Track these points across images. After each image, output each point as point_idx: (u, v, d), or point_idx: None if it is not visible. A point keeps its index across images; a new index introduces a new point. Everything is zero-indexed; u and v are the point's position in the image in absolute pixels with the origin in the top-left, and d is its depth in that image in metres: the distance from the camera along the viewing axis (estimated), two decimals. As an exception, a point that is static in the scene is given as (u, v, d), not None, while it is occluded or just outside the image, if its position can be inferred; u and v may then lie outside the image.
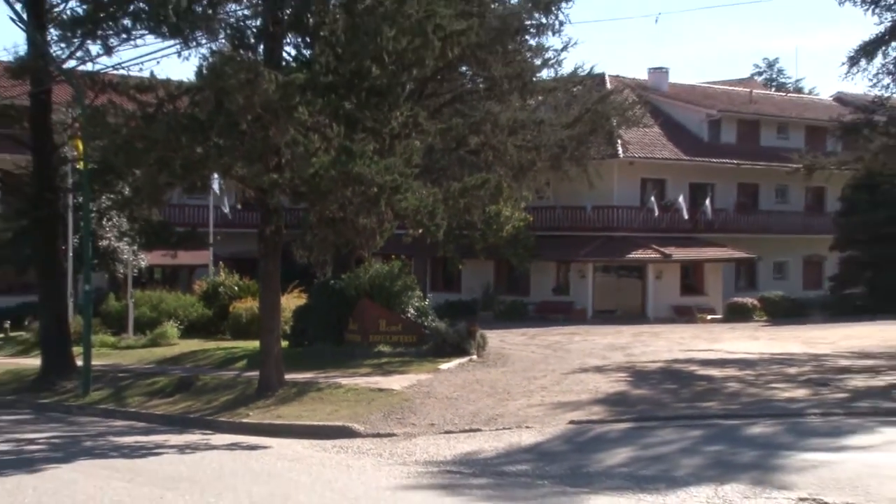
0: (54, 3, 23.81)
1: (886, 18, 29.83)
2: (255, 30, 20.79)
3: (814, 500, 11.24)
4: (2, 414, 22.39)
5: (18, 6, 24.21)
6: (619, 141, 43.64)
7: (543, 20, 24.07)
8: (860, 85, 33.43)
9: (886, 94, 32.45)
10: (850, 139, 35.49)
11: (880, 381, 22.62)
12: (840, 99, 57.26)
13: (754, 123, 56.54)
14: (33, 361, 27.47)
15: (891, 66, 30.64)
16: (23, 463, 15.10)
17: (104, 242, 31.84)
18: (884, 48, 30.26)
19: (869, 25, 33.82)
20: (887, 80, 31.09)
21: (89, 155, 22.49)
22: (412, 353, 25.93)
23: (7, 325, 36.80)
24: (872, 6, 29.61)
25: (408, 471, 13.66)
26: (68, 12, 23.27)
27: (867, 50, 30.38)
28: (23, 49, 24.04)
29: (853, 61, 30.75)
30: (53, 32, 23.36)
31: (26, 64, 23.08)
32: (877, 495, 11.52)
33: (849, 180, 46.42)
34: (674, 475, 12.80)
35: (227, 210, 41.17)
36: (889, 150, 31.30)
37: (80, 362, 24.23)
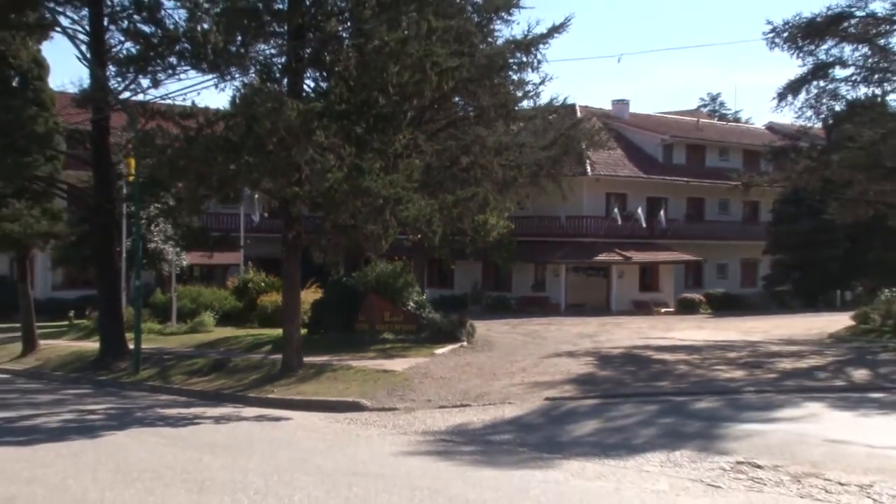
0: (112, 44, 23.83)
1: (808, 62, 30.09)
2: (280, 66, 20.84)
3: (749, 463, 11.40)
4: (67, 388, 22.56)
5: (83, 47, 24.26)
6: (587, 161, 43.86)
7: (524, 59, 24.04)
8: (788, 116, 33.92)
9: (809, 125, 32.84)
10: (780, 161, 35.68)
11: (804, 363, 22.73)
12: (771, 128, 57.51)
13: (700, 147, 56.69)
14: (93, 345, 27.50)
15: (812, 101, 30.80)
16: (85, 430, 15.23)
17: (152, 245, 31.86)
18: (806, 86, 30.41)
19: (794, 67, 34.13)
20: (809, 113, 31.37)
21: (140, 171, 22.52)
22: (412, 339, 25.87)
23: (71, 314, 36.86)
24: (797, 51, 29.76)
25: (408, 439, 13.75)
26: (124, 52, 23.36)
27: (793, 87, 30.57)
28: (86, 83, 24.13)
29: (781, 97, 30.95)
30: (111, 69, 23.37)
31: (89, 95, 23.11)
32: (801, 458, 11.72)
33: (778, 196, 46.64)
34: (633, 443, 12.98)
35: (256, 218, 41.13)
36: (811, 171, 31.47)
37: (131, 346, 24.41)
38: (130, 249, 26.53)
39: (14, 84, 26.95)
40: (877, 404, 17.24)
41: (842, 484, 10.40)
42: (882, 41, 29.81)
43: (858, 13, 28.94)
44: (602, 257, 47.23)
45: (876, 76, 30.61)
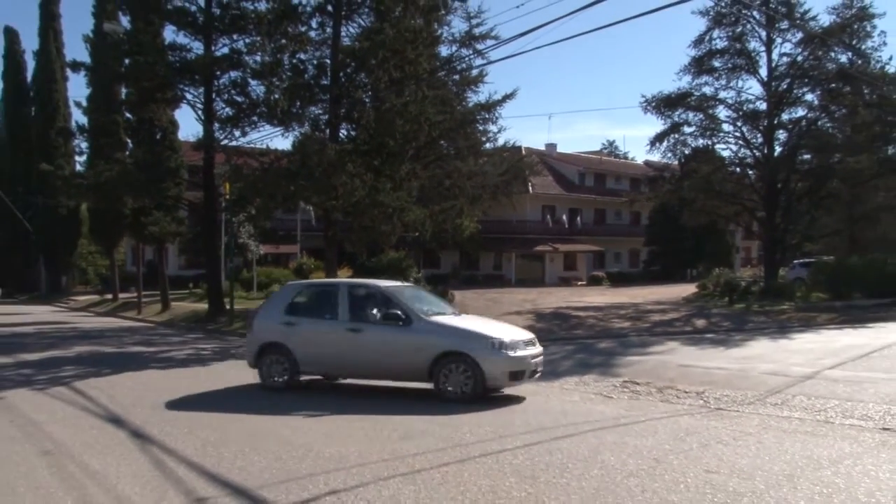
0: (217, 109, 23.75)
1: (667, 122, 30.57)
2: (324, 121, 20.60)
3: (631, 381, 11.32)
4: (188, 334, 22.34)
5: (199, 111, 24.29)
6: (529, 183, 43.76)
7: (487, 116, 23.90)
8: (657, 156, 34.14)
9: (670, 162, 33.13)
10: (653, 185, 35.82)
11: (667, 316, 22.81)
12: (647, 163, 57.82)
13: (602, 175, 56.68)
14: (204, 306, 27.38)
15: (671, 147, 31.24)
16: (198, 361, 15.13)
17: (240, 240, 31.75)
18: (667, 137, 30.74)
19: (659, 125, 34.10)
20: (670, 154, 31.81)
21: (232, 192, 22.38)
22: (412, 303, 25.84)
23: (190, 285, 36.84)
24: (660, 114, 30.27)
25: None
26: (224, 114, 23.24)
27: (659, 137, 30.84)
28: (200, 134, 24.06)
29: (652, 143, 31.22)
30: (216, 125, 23.26)
31: (202, 143, 22.98)
32: (663, 377, 11.69)
33: (652, 208, 46.86)
34: (557, 371, 12.79)
35: (313, 221, 40.85)
36: (672, 192, 31.96)
37: (228, 307, 24.25)
38: (227, 243, 26.31)
39: (157, 137, 27.30)
40: (710, 342, 17.20)
41: (686, 392, 10.39)
42: (711, 111, 30.59)
43: (696, 93, 30.22)
44: (539, 248, 47.20)
45: (708, 132, 31.20)
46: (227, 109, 23.29)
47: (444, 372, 9.39)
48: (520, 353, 9.55)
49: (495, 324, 10.81)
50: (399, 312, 9.72)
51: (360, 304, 10.17)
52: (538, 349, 10.03)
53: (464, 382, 9.31)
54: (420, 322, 9.68)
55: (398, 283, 11.61)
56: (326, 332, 10.11)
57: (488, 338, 9.44)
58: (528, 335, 10.25)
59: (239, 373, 12.13)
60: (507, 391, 10.07)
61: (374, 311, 10.08)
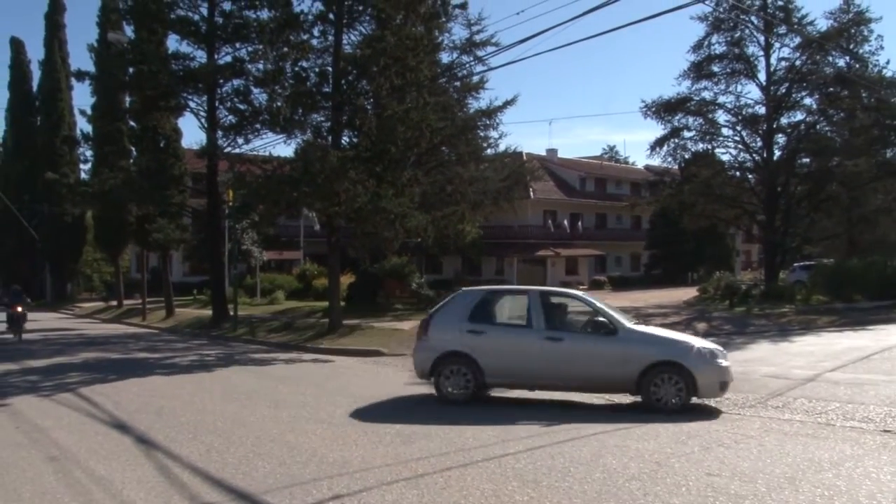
0: (220, 117, 23.85)
1: (667, 126, 30.54)
2: (326, 128, 20.66)
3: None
4: (192, 340, 22.37)
5: (203, 119, 24.38)
6: (530, 189, 43.78)
7: (488, 122, 24.12)
8: (657, 161, 34.01)
9: (670, 167, 33.08)
10: (653, 190, 35.91)
11: (668, 319, 22.40)
12: (648, 167, 57.83)
13: (603, 180, 56.69)
14: (208, 312, 27.40)
15: (671, 152, 31.24)
16: (203, 366, 15.12)
17: (244, 246, 31.77)
18: (667, 142, 30.78)
19: (659, 130, 33.92)
20: (670, 159, 31.80)
21: (236, 199, 22.46)
22: (414, 308, 25.67)
23: (194, 292, 36.88)
24: (660, 119, 30.27)
25: (411, 375, 13.39)
26: (227, 122, 23.32)
27: (659, 142, 30.88)
28: (203, 142, 24.14)
29: (652, 148, 31.27)
30: (219, 133, 23.35)
31: (205, 150, 23.04)
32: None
33: (653, 212, 46.83)
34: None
35: (315, 226, 40.89)
36: (672, 196, 31.85)
37: (232, 313, 24.24)
38: (230, 249, 26.35)
39: (161, 145, 27.42)
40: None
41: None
42: (710, 115, 30.62)
43: (695, 98, 30.24)
44: (540, 252, 47.09)
45: (707, 137, 31.23)
46: (230, 117, 23.39)
47: (655, 382, 8.89)
48: (725, 362, 9.11)
49: (683, 334, 10.35)
50: (606, 321, 9.29)
51: (556, 312, 9.66)
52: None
53: (675, 394, 8.85)
54: (625, 331, 9.22)
55: (576, 291, 11.11)
56: (521, 341, 9.43)
57: (699, 347, 9.09)
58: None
59: (246, 379, 12.07)
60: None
61: (573, 319, 9.70)
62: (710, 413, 8.97)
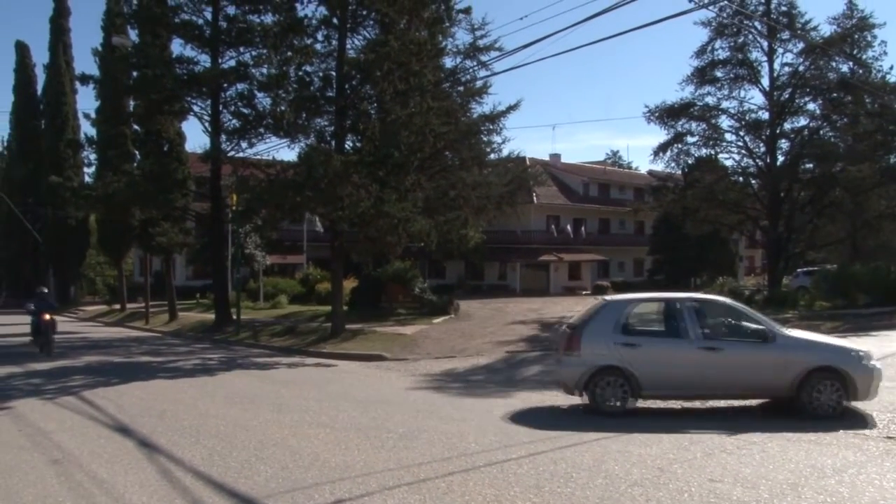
0: (224, 121, 23.90)
1: (671, 132, 30.53)
2: (329, 132, 20.64)
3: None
4: (195, 344, 22.40)
5: (206, 123, 24.42)
6: (534, 194, 43.76)
7: (491, 127, 24.05)
8: (660, 166, 33.85)
9: (673, 172, 33.04)
10: (656, 195, 35.79)
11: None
12: (651, 172, 57.75)
13: (607, 185, 56.50)
14: (211, 316, 27.33)
15: (674, 157, 31.20)
16: (206, 370, 15.15)
17: (247, 250, 31.81)
18: (670, 147, 30.72)
19: (662, 135, 33.81)
20: (673, 164, 31.76)
21: (239, 202, 22.49)
22: (417, 313, 25.66)
23: (197, 295, 36.82)
24: (664, 124, 30.25)
25: (414, 379, 13.58)
26: (231, 126, 23.32)
27: (662, 147, 30.83)
28: (207, 146, 24.20)
29: (656, 153, 31.21)
30: (223, 137, 23.40)
31: (209, 154, 23.12)
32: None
33: (656, 217, 46.76)
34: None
35: (318, 228, 40.79)
36: (675, 202, 31.78)
37: (235, 317, 24.23)
38: (234, 254, 26.37)
39: (165, 149, 27.49)
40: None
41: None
42: (713, 121, 30.67)
43: (699, 103, 30.22)
44: (544, 257, 46.91)
45: (711, 142, 31.17)
46: (234, 121, 23.42)
47: (818, 388, 8.94)
48: (876, 364, 9.18)
49: (835, 338, 10.32)
50: (764, 328, 9.31)
51: (707, 320, 9.63)
52: None
53: (835, 399, 8.92)
54: (783, 337, 9.27)
55: (724, 298, 11.00)
56: (677, 351, 9.36)
57: (856, 351, 9.13)
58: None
59: (249, 383, 12.09)
60: (514, 398, 10.01)
61: (725, 325, 9.71)
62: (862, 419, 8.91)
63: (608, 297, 10.48)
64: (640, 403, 9.72)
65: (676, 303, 9.73)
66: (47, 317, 17.80)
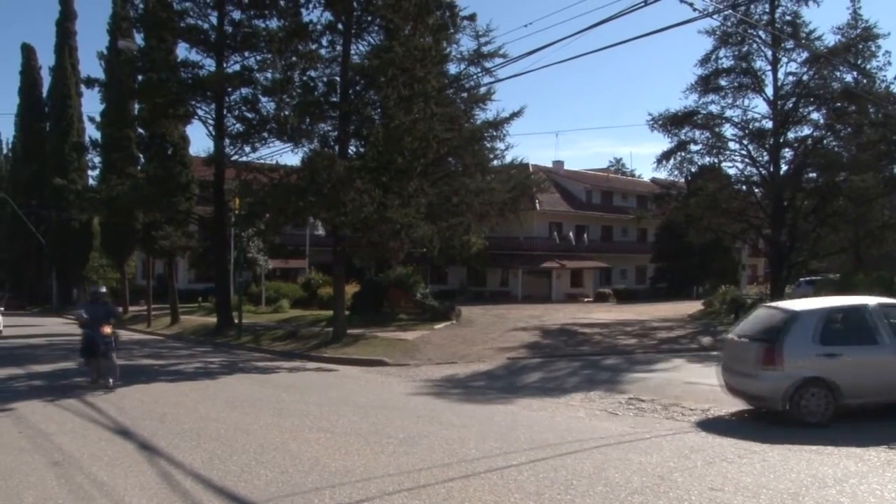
0: (228, 125, 23.98)
1: (674, 140, 30.45)
2: (333, 137, 20.68)
3: (636, 398, 11.28)
4: (197, 347, 22.44)
5: (210, 127, 24.57)
6: (536, 200, 43.70)
7: (494, 133, 23.92)
8: (664, 173, 33.77)
9: (676, 179, 33.00)
10: (659, 203, 35.65)
11: (673, 333, 22.59)
12: (654, 180, 57.73)
13: (609, 193, 56.55)
14: (212, 319, 27.42)
15: (677, 165, 31.03)
16: (207, 374, 15.21)
17: (250, 255, 31.85)
18: (673, 155, 30.64)
19: (665, 143, 33.81)
20: (676, 172, 31.65)
21: (242, 207, 22.53)
22: (419, 319, 25.65)
23: (200, 299, 36.92)
24: (667, 132, 30.19)
25: (415, 385, 13.58)
26: (235, 130, 23.42)
27: (665, 155, 30.74)
28: (211, 150, 24.27)
29: (659, 161, 31.07)
30: (227, 141, 23.46)
31: (212, 158, 23.18)
32: (669, 394, 11.63)
33: (658, 225, 46.74)
34: (563, 387, 12.81)
35: (319, 230, 40.78)
36: (678, 209, 31.72)
37: (237, 320, 24.24)
38: (236, 257, 26.42)
39: (169, 152, 27.60)
40: (716, 359, 16.83)
41: (692, 409, 10.37)
42: (717, 129, 30.48)
43: (702, 111, 29.93)
44: (546, 264, 46.97)
45: (714, 150, 31.08)
46: (238, 125, 23.53)
47: None
48: None
49: None
50: None
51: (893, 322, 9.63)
52: None
53: None
54: None
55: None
56: (874, 357, 9.41)
57: None
58: None
59: (250, 387, 12.07)
60: (515, 405, 9.98)
61: None
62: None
63: (796, 308, 10.17)
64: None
65: (866, 308, 9.76)
66: (108, 330, 12.66)
